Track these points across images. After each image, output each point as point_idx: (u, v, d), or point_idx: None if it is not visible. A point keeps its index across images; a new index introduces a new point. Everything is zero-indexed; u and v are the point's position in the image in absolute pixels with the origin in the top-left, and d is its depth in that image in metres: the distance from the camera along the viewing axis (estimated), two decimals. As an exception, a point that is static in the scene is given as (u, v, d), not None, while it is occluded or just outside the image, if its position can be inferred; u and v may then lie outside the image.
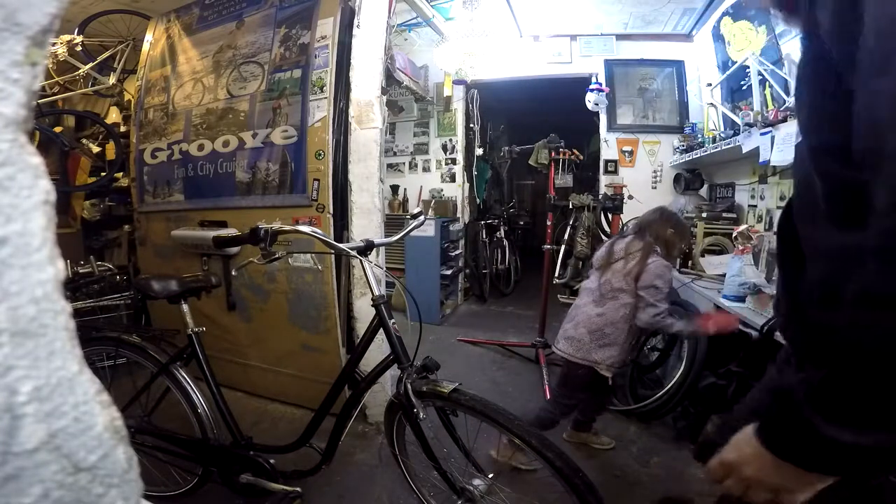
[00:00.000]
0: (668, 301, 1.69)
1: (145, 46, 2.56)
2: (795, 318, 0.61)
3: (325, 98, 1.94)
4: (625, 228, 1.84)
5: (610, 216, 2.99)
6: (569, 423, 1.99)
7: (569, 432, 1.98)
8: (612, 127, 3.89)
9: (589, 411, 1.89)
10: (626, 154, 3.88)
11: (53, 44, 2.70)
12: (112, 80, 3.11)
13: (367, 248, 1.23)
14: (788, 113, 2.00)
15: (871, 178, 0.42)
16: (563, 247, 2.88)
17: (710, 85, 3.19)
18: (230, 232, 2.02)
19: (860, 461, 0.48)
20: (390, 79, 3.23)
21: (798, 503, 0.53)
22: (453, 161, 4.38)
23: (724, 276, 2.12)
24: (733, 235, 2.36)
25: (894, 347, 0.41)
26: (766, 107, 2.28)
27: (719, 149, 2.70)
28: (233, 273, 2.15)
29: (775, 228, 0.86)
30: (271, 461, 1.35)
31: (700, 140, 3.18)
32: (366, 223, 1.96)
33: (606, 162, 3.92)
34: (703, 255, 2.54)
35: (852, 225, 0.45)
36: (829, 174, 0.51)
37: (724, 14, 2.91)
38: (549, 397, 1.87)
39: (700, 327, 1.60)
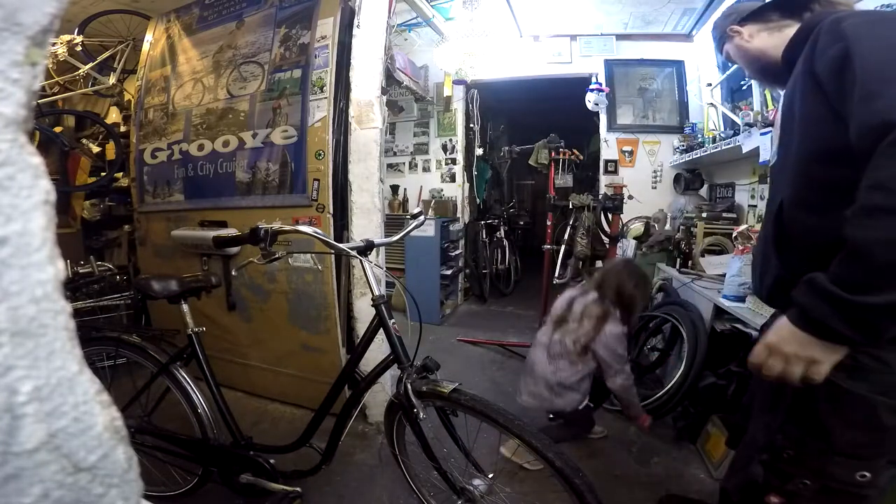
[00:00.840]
0: (629, 361, 1.79)
1: (145, 46, 2.56)
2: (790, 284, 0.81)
3: (325, 98, 1.94)
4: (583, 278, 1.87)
5: (610, 216, 3.00)
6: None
7: None
8: (612, 127, 3.89)
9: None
10: (626, 154, 3.88)
11: (53, 44, 2.70)
12: (112, 80, 3.11)
13: (367, 248, 1.23)
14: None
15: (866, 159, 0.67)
16: (563, 247, 2.88)
17: (710, 85, 3.19)
18: (230, 232, 2.02)
19: (872, 323, 0.65)
20: (390, 79, 3.23)
21: (823, 373, 0.72)
22: (453, 161, 4.38)
23: (724, 276, 2.12)
24: (733, 235, 2.36)
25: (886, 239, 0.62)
26: (766, 107, 2.28)
27: (719, 149, 2.70)
28: (233, 273, 2.15)
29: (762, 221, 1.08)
30: (271, 461, 1.35)
31: (700, 140, 3.18)
32: (366, 223, 1.96)
33: (606, 162, 3.92)
34: (703, 255, 2.54)
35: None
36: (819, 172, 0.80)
37: (724, 14, 2.91)
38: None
39: (641, 422, 1.83)
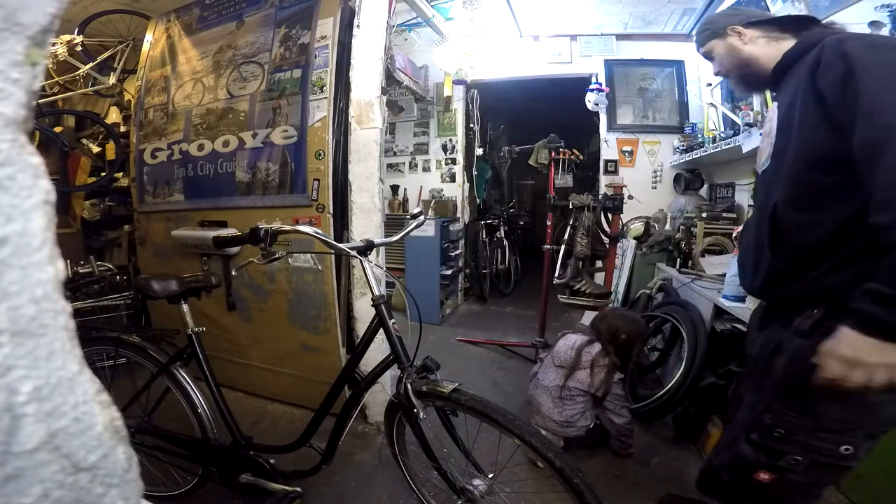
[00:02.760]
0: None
1: (145, 46, 2.56)
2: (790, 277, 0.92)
3: (325, 98, 1.94)
4: (583, 333, 1.92)
5: (610, 216, 2.99)
6: None
7: None
8: (612, 127, 3.89)
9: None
10: (626, 154, 3.88)
11: (53, 44, 2.70)
12: (112, 80, 3.11)
13: (367, 248, 1.23)
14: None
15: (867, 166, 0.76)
16: (563, 247, 2.88)
17: (710, 85, 3.19)
18: (230, 232, 2.02)
19: None
20: (390, 79, 3.23)
21: None
22: (453, 161, 4.38)
23: (724, 276, 2.12)
24: (733, 235, 2.37)
25: None
26: (766, 107, 2.28)
27: (719, 149, 2.70)
28: (233, 273, 2.15)
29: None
30: (271, 461, 1.35)
31: (700, 140, 3.18)
32: (366, 223, 1.96)
33: (606, 162, 3.92)
34: (703, 255, 2.54)
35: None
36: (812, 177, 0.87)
37: (724, 14, 2.91)
38: None
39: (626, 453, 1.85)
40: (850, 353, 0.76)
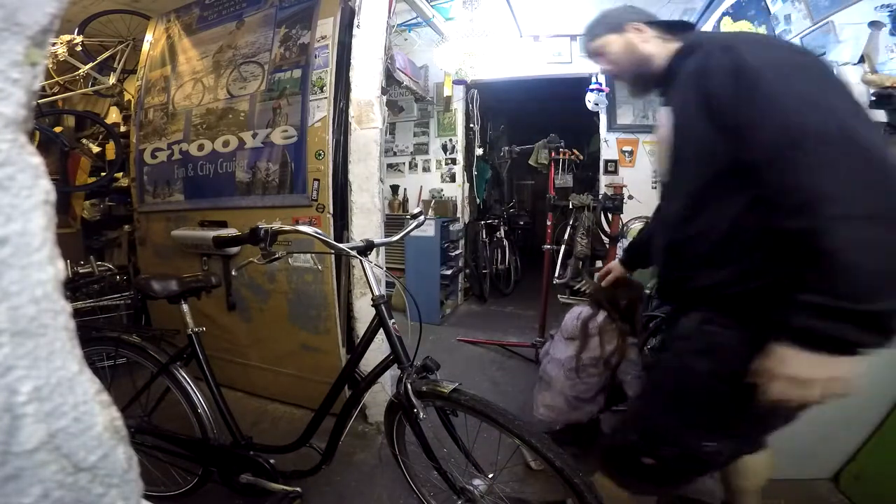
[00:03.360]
0: None
1: (145, 46, 2.56)
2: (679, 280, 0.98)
3: (325, 98, 1.94)
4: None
5: (610, 216, 2.99)
6: None
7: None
8: (612, 127, 3.89)
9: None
10: (626, 154, 3.88)
11: (53, 44, 2.70)
12: (112, 80, 3.11)
13: (367, 248, 1.23)
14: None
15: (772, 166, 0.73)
16: (563, 247, 2.88)
17: (710, 85, 3.18)
18: (230, 232, 2.02)
19: (886, 324, 0.67)
20: (390, 79, 3.23)
21: (851, 383, 0.72)
22: (453, 161, 4.38)
23: (724, 276, 2.12)
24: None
25: (864, 245, 0.65)
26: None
27: (719, 149, 2.70)
28: (233, 273, 2.15)
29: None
30: (271, 461, 1.35)
31: (700, 140, 3.17)
32: (366, 223, 1.96)
33: (606, 162, 3.92)
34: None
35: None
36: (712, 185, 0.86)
37: (724, 14, 2.91)
38: None
39: None
40: (797, 372, 0.72)
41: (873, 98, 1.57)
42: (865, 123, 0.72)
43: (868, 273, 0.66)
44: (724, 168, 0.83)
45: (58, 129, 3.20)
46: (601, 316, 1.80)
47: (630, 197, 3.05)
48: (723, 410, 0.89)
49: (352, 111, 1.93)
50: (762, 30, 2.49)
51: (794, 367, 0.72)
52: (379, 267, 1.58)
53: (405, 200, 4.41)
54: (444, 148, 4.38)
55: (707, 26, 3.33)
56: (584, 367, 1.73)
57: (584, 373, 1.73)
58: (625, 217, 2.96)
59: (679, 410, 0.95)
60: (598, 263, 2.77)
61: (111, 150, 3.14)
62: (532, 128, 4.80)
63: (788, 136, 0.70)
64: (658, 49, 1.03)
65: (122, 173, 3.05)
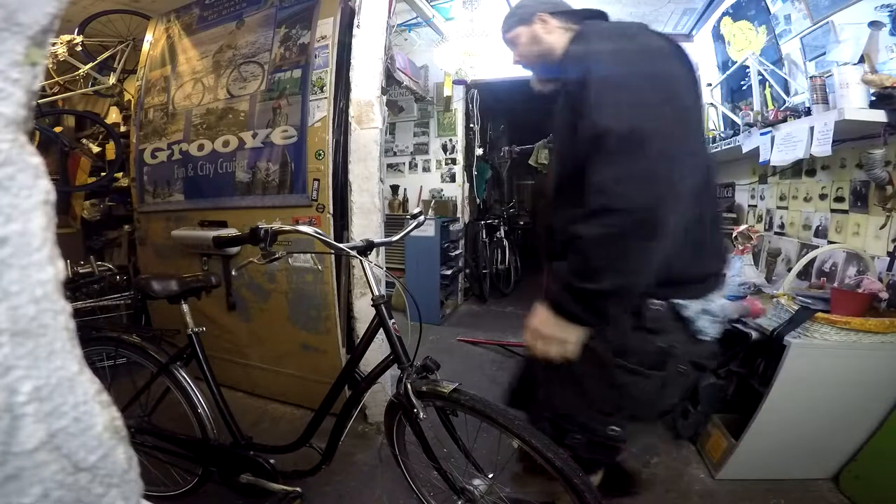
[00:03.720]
0: None
1: (145, 46, 2.56)
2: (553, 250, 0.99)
3: (325, 98, 1.94)
4: None
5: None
6: None
7: None
8: (612, 127, 3.88)
9: None
10: (626, 154, 3.88)
11: (53, 44, 2.70)
12: (112, 80, 3.11)
13: (367, 248, 1.23)
14: (788, 113, 2.00)
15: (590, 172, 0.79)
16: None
17: (710, 85, 3.18)
18: (230, 232, 2.02)
19: (597, 305, 0.81)
20: (390, 79, 3.23)
21: (572, 351, 0.86)
22: (453, 161, 4.38)
23: (724, 276, 2.11)
24: (733, 235, 2.36)
25: (603, 235, 0.76)
26: (766, 107, 2.28)
27: (719, 149, 2.70)
28: (233, 273, 2.15)
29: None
30: (271, 461, 1.35)
31: (700, 140, 3.17)
32: (366, 223, 1.95)
33: (606, 162, 3.92)
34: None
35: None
36: (574, 176, 0.85)
37: (724, 14, 2.91)
38: None
39: None
40: (535, 323, 0.88)
41: (873, 98, 1.57)
42: (669, 130, 0.76)
43: (598, 257, 0.78)
44: (571, 170, 0.88)
45: (58, 129, 3.20)
46: None
47: (630, 197, 3.05)
48: (616, 388, 0.94)
49: (352, 111, 1.93)
50: (762, 30, 2.49)
51: (538, 323, 0.88)
52: (379, 267, 1.58)
53: (405, 200, 4.41)
54: (444, 148, 4.38)
55: (707, 26, 3.33)
56: None
57: None
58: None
59: (583, 397, 0.98)
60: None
61: (111, 150, 3.14)
62: (532, 128, 4.80)
63: (595, 141, 0.78)
64: (559, 39, 1.04)
65: (122, 173, 3.05)
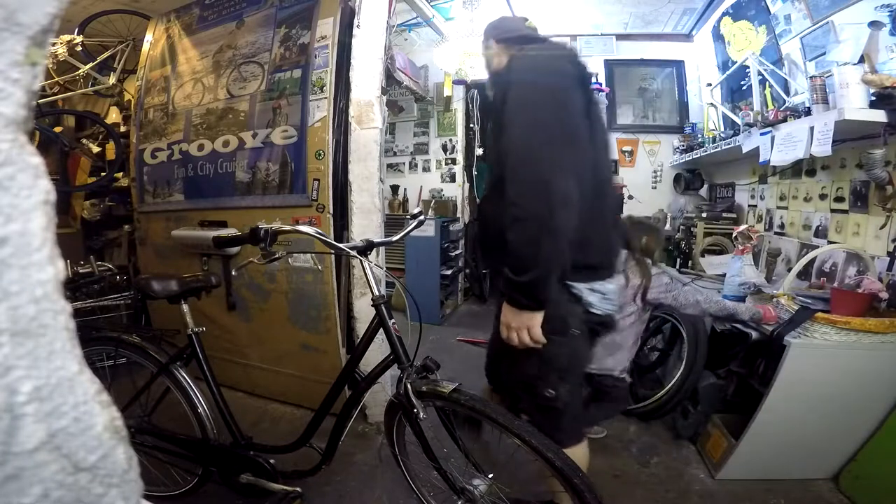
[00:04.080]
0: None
1: (145, 46, 2.56)
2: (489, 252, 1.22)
3: (325, 98, 1.94)
4: None
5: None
6: None
7: None
8: (611, 127, 3.88)
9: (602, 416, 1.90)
10: (626, 154, 3.88)
11: (53, 44, 2.70)
12: (112, 80, 3.11)
13: (367, 248, 1.23)
14: (788, 113, 2.00)
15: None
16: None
17: (710, 85, 3.19)
18: (230, 232, 2.02)
19: (532, 292, 0.99)
20: (390, 79, 3.23)
21: (537, 334, 1.03)
22: (453, 161, 4.37)
23: (724, 276, 2.12)
24: (733, 235, 2.37)
25: (522, 239, 0.96)
26: (766, 107, 2.28)
27: (719, 149, 2.70)
28: (233, 273, 2.15)
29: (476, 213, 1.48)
30: (271, 461, 1.35)
31: (700, 140, 3.17)
32: (366, 223, 1.96)
33: (606, 162, 3.92)
34: (703, 255, 2.54)
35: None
36: (500, 177, 1.04)
37: (724, 14, 2.91)
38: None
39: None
40: (505, 319, 1.05)
41: (873, 98, 1.57)
42: (558, 151, 0.95)
43: (522, 256, 0.97)
44: (498, 172, 1.08)
45: (58, 129, 3.20)
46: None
47: (630, 197, 3.06)
48: (542, 356, 1.09)
49: (352, 111, 1.93)
50: (762, 30, 2.49)
51: (505, 316, 1.05)
52: (379, 267, 1.58)
53: (405, 200, 4.41)
54: (444, 148, 4.38)
55: (707, 26, 3.33)
56: (621, 308, 1.70)
57: (622, 314, 1.71)
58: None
59: (519, 365, 1.14)
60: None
61: (111, 150, 3.14)
62: (532, 128, 4.79)
63: (504, 157, 0.99)
64: (500, 62, 1.22)
65: (122, 173, 3.05)
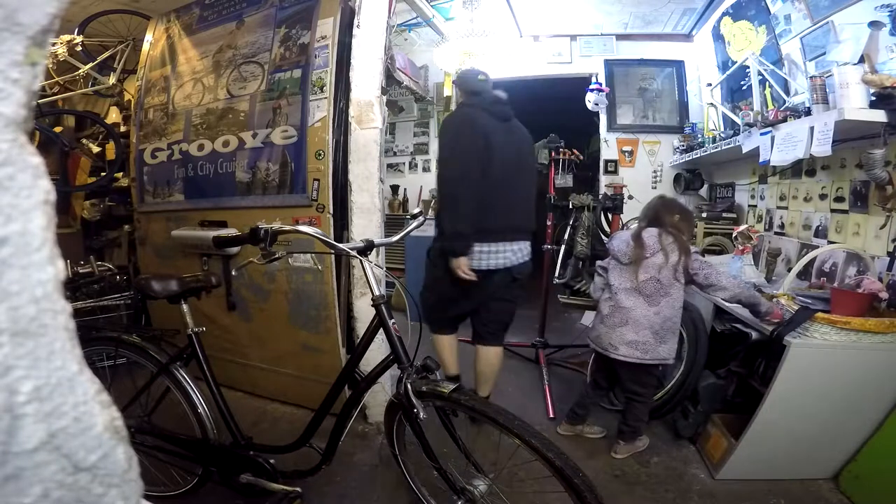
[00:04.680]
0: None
1: (145, 46, 2.56)
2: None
3: (325, 98, 1.94)
4: (625, 227, 1.91)
5: (610, 216, 2.99)
6: (563, 418, 2.02)
7: (564, 426, 1.99)
8: (612, 127, 3.89)
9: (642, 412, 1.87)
10: (626, 154, 3.88)
11: (53, 44, 2.70)
12: (112, 80, 3.11)
13: (367, 248, 1.23)
14: (788, 113, 2.00)
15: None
16: (563, 247, 2.88)
17: (710, 85, 3.19)
18: (230, 232, 2.02)
19: (453, 246, 1.74)
20: (390, 79, 3.22)
21: (465, 271, 1.74)
22: (453, 161, 4.37)
23: (724, 276, 2.11)
24: (733, 235, 2.37)
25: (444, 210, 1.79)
26: (766, 107, 2.28)
27: (719, 149, 2.70)
28: (233, 273, 2.15)
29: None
30: (271, 461, 1.35)
31: (700, 140, 3.18)
32: (366, 223, 1.96)
33: (606, 162, 3.92)
34: (703, 255, 2.54)
35: None
36: None
37: (724, 14, 2.91)
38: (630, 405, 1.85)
39: (773, 318, 1.63)
40: (453, 266, 1.74)
41: (873, 98, 1.57)
42: (459, 176, 1.71)
43: (447, 224, 1.72)
44: None
45: (58, 129, 3.20)
46: (652, 230, 1.75)
47: (630, 197, 3.05)
48: (438, 288, 1.92)
49: (352, 111, 1.93)
50: (762, 30, 2.49)
51: (452, 266, 1.74)
52: (379, 267, 1.58)
53: (405, 200, 4.41)
54: (444, 148, 4.38)
55: (707, 26, 3.34)
56: (659, 284, 1.68)
57: (663, 291, 1.68)
58: (625, 217, 2.96)
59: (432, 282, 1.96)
60: (599, 263, 2.77)
61: (111, 150, 3.14)
62: (532, 128, 4.79)
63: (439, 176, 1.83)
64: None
65: (122, 173, 3.05)
